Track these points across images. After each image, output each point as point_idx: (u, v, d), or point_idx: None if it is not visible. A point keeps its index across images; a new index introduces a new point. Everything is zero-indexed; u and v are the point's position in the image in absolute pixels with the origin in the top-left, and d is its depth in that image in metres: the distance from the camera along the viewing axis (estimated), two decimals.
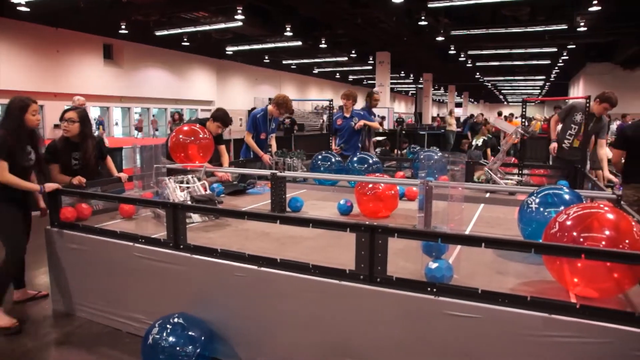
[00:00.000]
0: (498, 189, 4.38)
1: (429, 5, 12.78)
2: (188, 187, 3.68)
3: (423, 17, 13.49)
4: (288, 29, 15.19)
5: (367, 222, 2.30)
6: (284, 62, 26.10)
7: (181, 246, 2.82)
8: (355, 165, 4.78)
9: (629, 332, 1.86)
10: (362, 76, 32.40)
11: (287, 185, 3.95)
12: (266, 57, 24.52)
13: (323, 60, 24.85)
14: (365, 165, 4.76)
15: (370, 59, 21.17)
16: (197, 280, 2.76)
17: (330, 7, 13.17)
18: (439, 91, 38.90)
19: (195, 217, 3.55)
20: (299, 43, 18.02)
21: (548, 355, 1.97)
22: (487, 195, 4.47)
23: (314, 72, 30.73)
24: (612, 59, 20.09)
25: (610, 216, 2.14)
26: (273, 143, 5.55)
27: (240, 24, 14.46)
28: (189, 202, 3.50)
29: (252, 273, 2.56)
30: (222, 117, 4.76)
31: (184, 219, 2.88)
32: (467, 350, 2.12)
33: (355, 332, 2.33)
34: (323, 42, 17.60)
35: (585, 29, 14.04)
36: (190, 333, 2.47)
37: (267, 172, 4.04)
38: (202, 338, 2.49)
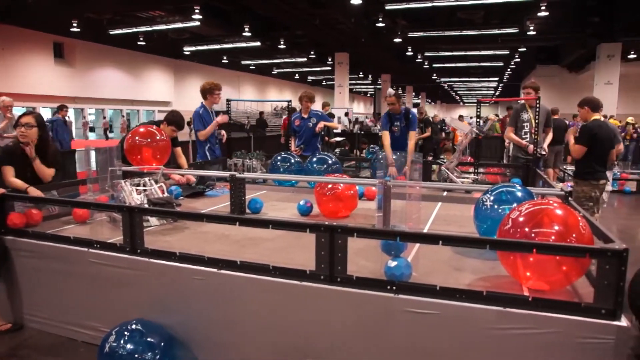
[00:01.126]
0: (455, 187, 4.50)
1: (387, 7, 12.99)
2: (145, 190, 3.60)
3: (381, 19, 13.69)
4: (246, 29, 15.09)
5: (326, 223, 2.31)
6: (242, 62, 25.92)
7: (138, 250, 2.75)
8: (315, 165, 4.80)
9: (576, 321, 1.94)
10: (321, 77, 32.54)
11: (246, 186, 3.92)
12: (224, 58, 24.26)
13: (282, 60, 24.83)
14: (325, 166, 4.78)
15: (329, 59, 21.29)
16: (155, 285, 2.70)
17: (288, 8, 13.17)
18: None
19: (153, 220, 3.47)
20: (258, 43, 17.93)
21: (502, 346, 2.04)
22: (445, 193, 4.57)
23: (273, 72, 30.64)
24: (559, 61, 20.96)
25: (559, 212, 2.24)
26: (223, 132, 5.52)
27: (197, 23, 14.27)
28: (146, 205, 3.42)
29: (211, 276, 2.52)
30: (176, 121, 4.67)
31: (141, 222, 2.81)
32: (427, 345, 2.16)
33: (317, 332, 2.34)
34: (282, 42, 17.59)
35: (535, 33, 14.60)
36: (149, 339, 2.41)
37: (226, 173, 4.00)
38: (162, 344, 2.43)
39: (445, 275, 2.44)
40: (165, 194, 3.73)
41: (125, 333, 2.41)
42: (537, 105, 5.15)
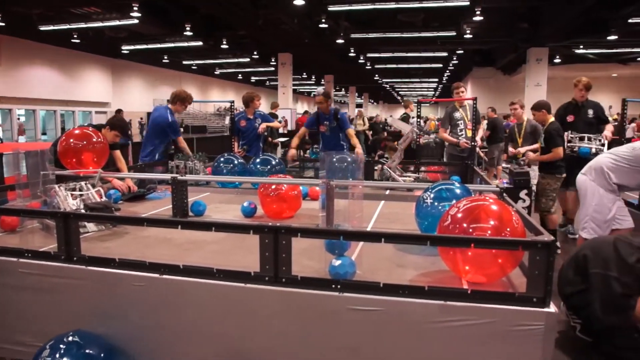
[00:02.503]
0: (397, 185, 4.61)
1: (329, 9, 13.11)
2: (81, 195, 3.44)
3: (324, 20, 13.79)
4: (188, 28, 14.76)
5: (270, 224, 2.31)
6: (184, 62, 25.33)
7: (74, 258, 2.62)
8: (259, 166, 4.77)
9: (510, 310, 2.04)
10: (265, 77, 32.35)
11: (189, 189, 3.84)
12: (165, 57, 23.62)
13: (225, 61, 24.49)
14: (269, 167, 4.77)
15: (273, 60, 21.21)
16: (93, 294, 2.58)
17: (231, 7, 13.01)
18: (340, 92, 39.92)
19: (90, 226, 3.32)
20: (200, 43, 17.58)
21: (444, 339, 2.11)
22: (387, 192, 4.67)
23: (215, 73, 30.15)
24: (494, 64, 21.94)
25: (494, 208, 2.34)
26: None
27: (136, 21, 13.80)
28: (83, 211, 3.27)
29: (153, 281, 2.45)
30: (120, 126, 4.51)
31: (76, 228, 2.68)
32: (372, 342, 2.19)
33: (263, 334, 2.32)
34: (224, 42, 17.34)
35: (471, 36, 15.20)
36: (87, 351, 2.30)
37: (167, 176, 3.90)
38: (101, 355, 2.34)
39: (388, 272, 2.50)
40: (104, 198, 3.59)
41: (61, 346, 2.29)
42: (474, 104, 5.39)
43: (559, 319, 3.24)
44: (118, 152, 4.57)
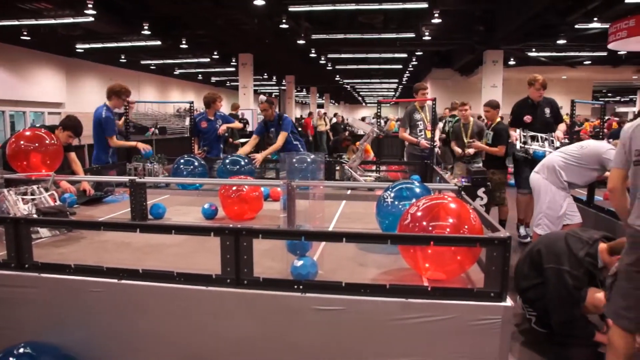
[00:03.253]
0: (358, 185, 4.65)
1: (290, 9, 13.09)
2: (33, 199, 3.31)
3: (284, 20, 13.76)
4: (145, 27, 14.42)
5: (231, 225, 2.28)
6: (142, 62, 24.74)
7: (26, 265, 2.52)
8: (228, 167, 4.74)
9: (469, 305, 2.09)
10: (225, 78, 31.98)
11: (148, 191, 3.75)
12: (123, 57, 22.99)
13: (184, 61, 24.07)
14: (237, 167, 4.74)
15: (233, 60, 20.99)
16: (47, 302, 2.48)
17: (190, 7, 12.80)
18: (301, 93, 39.92)
19: (44, 231, 3.19)
20: (158, 43, 17.20)
21: (405, 336, 2.14)
22: (349, 192, 4.71)
23: (175, 73, 29.58)
24: (452, 65, 22.44)
25: (453, 206, 2.40)
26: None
27: (91, 19, 13.34)
28: (35, 216, 3.15)
29: (111, 287, 2.38)
30: (74, 126, 4.35)
31: (28, 234, 2.57)
32: (335, 341, 2.20)
33: (225, 337, 2.30)
34: (184, 42, 17.03)
35: (430, 38, 15.51)
36: None
37: (125, 178, 3.81)
38: None
39: (350, 271, 2.52)
40: (57, 203, 3.46)
41: (11, 359, 2.19)
42: (434, 105, 5.51)
43: (515, 312, 3.35)
44: (73, 154, 4.42)
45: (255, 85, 23.82)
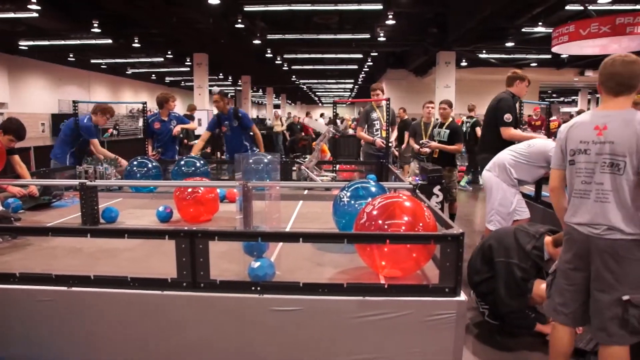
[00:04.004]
0: (314, 185, 4.66)
1: (245, 9, 12.97)
2: None
3: (240, 20, 13.62)
4: (95, 24, 13.91)
5: (186, 228, 2.25)
6: (92, 61, 23.86)
7: None
8: (183, 169, 4.65)
9: (425, 301, 2.15)
10: (180, 78, 31.34)
11: (100, 195, 3.64)
12: (71, 55, 22.10)
13: (137, 60, 23.41)
14: (193, 169, 4.66)
15: (188, 60, 20.59)
16: None
17: (142, 5, 12.46)
18: (257, 93, 39.63)
19: None
20: (109, 41, 16.64)
21: (363, 333, 2.17)
22: (305, 192, 4.72)
23: (127, 72, 28.73)
24: (406, 66, 22.85)
25: (407, 204, 2.45)
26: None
27: (35, 15, 12.74)
28: None
29: (61, 295, 2.29)
30: (15, 129, 4.14)
31: None
32: (294, 341, 2.21)
33: (183, 342, 2.25)
34: (136, 41, 16.56)
35: (385, 39, 15.73)
36: None
37: (74, 182, 3.67)
38: None
39: (308, 271, 2.52)
40: (1, 208, 3.30)
41: None
42: (388, 104, 5.60)
43: (469, 306, 3.45)
44: (17, 157, 4.22)
45: (210, 86, 23.43)
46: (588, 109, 28.45)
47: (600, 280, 2.34)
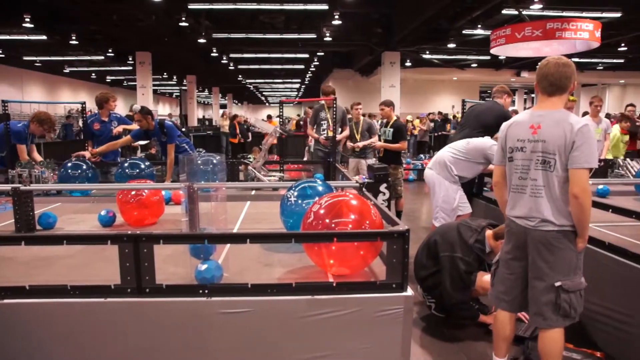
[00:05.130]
0: (262, 185, 4.64)
1: (190, 7, 12.71)
2: None
3: (184, 18, 13.33)
4: (27, 19, 13.16)
5: (129, 232, 2.18)
6: (25, 58, 22.62)
7: None
8: (127, 171, 4.49)
9: (373, 298, 2.18)
10: (122, 77, 30.29)
11: (35, 200, 3.46)
12: (0, 52, 20.85)
13: (75, 58, 22.40)
14: (137, 171, 4.51)
15: (130, 58, 19.93)
16: None
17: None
18: (203, 93, 38.94)
19: None
20: (44, 37, 15.82)
21: (314, 332, 2.18)
22: (253, 192, 4.69)
23: (65, 71, 27.42)
24: (352, 66, 23.15)
25: (354, 202, 2.48)
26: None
27: None
28: None
29: None
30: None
31: None
32: (244, 343, 2.19)
33: (128, 350, 2.18)
34: (73, 37, 15.82)
35: (331, 39, 15.85)
36: None
37: (6, 187, 3.47)
38: None
39: (256, 272, 2.51)
40: None
41: None
42: (334, 104, 5.67)
43: (416, 301, 3.54)
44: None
45: (154, 85, 22.85)
46: (524, 108, 29.92)
47: (536, 269, 2.47)
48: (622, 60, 21.21)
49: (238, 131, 15.96)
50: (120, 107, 30.30)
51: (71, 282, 2.18)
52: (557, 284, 2.41)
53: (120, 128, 5.80)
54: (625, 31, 14.65)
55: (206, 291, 2.16)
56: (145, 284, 2.16)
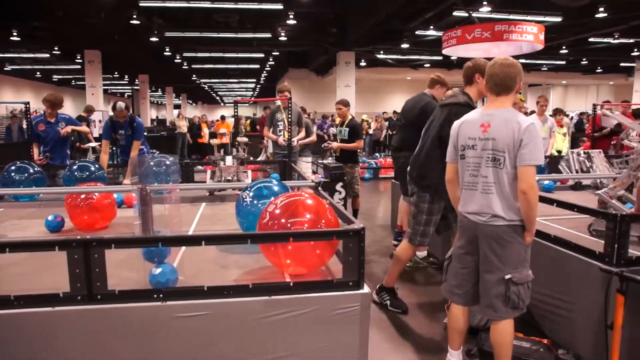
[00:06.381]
0: (217, 186, 4.58)
1: (141, 4, 12.38)
2: None
3: (135, 16, 12.97)
4: None
5: (79, 237, 2.10)
6: None
7: None
8: (76, 174, 4.33)
9: (330, 296, 2.20)
10: (70, 76, 29.14)
11: None
12: None
13: (18, 55, 21.36)
14: (87, 173, 4.36)
15: (78, 57, 19.19)
16: None
17: None
18: (156, 93, 38.03)
19: None
20: None
21: (272, 333, 2.18)
22: (208, 194, 4.62)
23: (5, 69, 26.10)
24: (308, 66, 23.21)
25: (309, 202, 2.49)
26: None
27: None
28: None
29: None
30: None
31: None
32: (201, 347, 2.15)
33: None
34: (15, 34, 15.07)
35: (286, 39, 15.83)
36: None
37: None
38: None
39: (212, 274, 2.48)
40: None
41: None
42: (289, 104, 5.67)
43: (373, 298, 3.60)
44: None
45: (105, 85, 22.08)
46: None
47: (487, 263, 2.56)
48: (563, 62, 22.24)
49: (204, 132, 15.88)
50: (69, 108, 29.17)
51: (15, 292, 2.08)
52: (507, 276, 2.50)
53: (68, 128, 5.60)
54: (565, 35, 15.39)
55: (161, 295, 2.11)
56: (97, 291, 2.09)
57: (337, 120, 7.18)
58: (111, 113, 5.66)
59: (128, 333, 2.11)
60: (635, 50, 19.29)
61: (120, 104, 5.29)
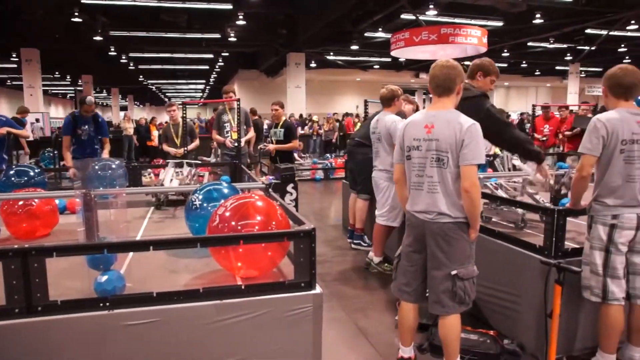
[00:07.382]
0: (165, 190, 4.47)
1: (83, 1, 11.91)
2: None
3: (77, 14, 12.46)
4: None
5: (16, 246, 2.00)
6: None
7: None
8: (13, 179, 4.10)
9: (282, 298, 2.21)
10: (5, 76, 27.62)
11: None
12: None
13: None
14: (25, 179, 4.13)
15: (15, 55, 18.24)
16: None
17: None
18: (101, 94, 36.73)
19: None
20: None
21: (224, 337, 2.16)
22: (154, 199, 4.50)
23: None
24: (258, 67, 23.09)
25: (260, 203, 2.48)
26: None
27: None
28: None
29: None
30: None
31: None
32: (151, 355, 2.10)
33: None
34: None
35: (235, 39, 15.68)
36: None
37: None
38: None
39: (161, 280, 2.43)
40: None
41: None
42: (238, 105, 5.62)
43: (325, 298, 3.61)
44: None
45: (44, 86, 21.13)
46: (423, 107, 31.49)
47: (434, 259, 2.63)
48: (505, 65, 23.19)
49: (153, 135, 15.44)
50: (5, 109, 27.63)
51: None
52: (453, 272, 2.58)
53: (3, 130, 5.32)
54: (506, 39, 16.10)
55: (107, 304, 2.04)
56: (37, 302, 1.99)
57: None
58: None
59: (73, 345, 2.03)
60: (569, 54, 20.47)
61: (90, 98, 5.29)
